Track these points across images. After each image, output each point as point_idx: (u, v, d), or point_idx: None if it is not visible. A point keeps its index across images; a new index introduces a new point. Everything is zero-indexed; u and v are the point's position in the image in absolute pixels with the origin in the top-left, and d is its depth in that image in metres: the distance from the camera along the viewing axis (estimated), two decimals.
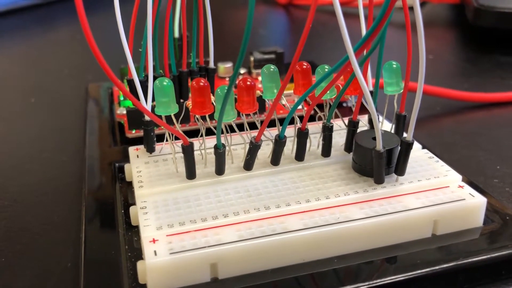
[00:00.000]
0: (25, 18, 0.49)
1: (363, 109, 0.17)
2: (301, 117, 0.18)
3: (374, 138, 0.16)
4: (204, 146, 0.18)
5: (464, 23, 0.40)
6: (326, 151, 0.18)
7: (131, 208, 0.17)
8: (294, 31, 0.46)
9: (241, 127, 0.18)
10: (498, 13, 0.35)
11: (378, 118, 0.18)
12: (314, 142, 0.19)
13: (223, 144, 0.16)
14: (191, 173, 0.17)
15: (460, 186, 0.17)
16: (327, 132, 0.18)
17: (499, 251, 0.15)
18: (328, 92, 0.17)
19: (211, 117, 0.17)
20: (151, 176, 0.17)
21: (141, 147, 0.19)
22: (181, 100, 0.21)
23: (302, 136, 0.17)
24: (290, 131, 0.18)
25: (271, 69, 0.17)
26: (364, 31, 0.18)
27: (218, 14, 0.45)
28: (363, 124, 0.19)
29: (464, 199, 0.16)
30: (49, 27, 0.47)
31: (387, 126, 0.19)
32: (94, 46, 0.13)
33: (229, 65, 0.27)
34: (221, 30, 0.43)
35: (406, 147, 0.16)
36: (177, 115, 0.17)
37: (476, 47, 0.37)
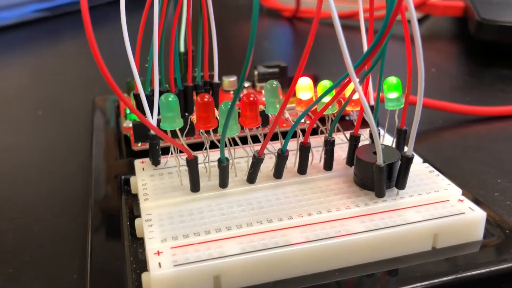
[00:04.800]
0: (33, 31, 0.50)
1: (365, 123, 0.18)
2: (303, 131, 0.18)
3: (375, 153, 0.16)
4: (208, 160, 0.18)
5: (466, 36, 0.41)
6: (328, 164, 0.18)
7: (137, 220, 0.17)
8: (298, 43, 0.47)
9: (244, 141, 0.18)
10: (500, 27, 0.36)
11: (379, 132, 0.18)
12: (316, 155, 0.19)
13: (226, 157, 0.17)
14: (195, 186, 0.17)
15: (460, 200, 0.17)
16: (329, 146, 0.18)
17: (498, 264, 0.15)
18: (329, 107, 0.17)
19: (215, 130, 0.17)
20: (156, 189, 0.18)
21: (147, 160, 0.19)
22: (186, 114, 0.22)
23: (304, 149, 0.18)
24: (293, 145, 0.18)
25: (274, 85, 0.17)
26: (365, 45, 0.19)
27: (222, 29, 0.46)
28: (364, 138, 0.19)
29: (464, 213, 0.16)
30: (56, 40, 0.48)
31: (388, 140, 0.20)
32: (100, 61, 0.13)
33: (233, 78, 0.28)
34: (226, 44, 0.43)
35: (406, 162, 0.16)
36: (182, 129, 0.17)
37: (478, 61, 0.38)
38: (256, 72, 0.28)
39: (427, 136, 0.26)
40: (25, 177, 0.23)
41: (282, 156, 0.17)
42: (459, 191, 0.17)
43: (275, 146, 0.18)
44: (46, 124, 0.29)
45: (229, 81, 0.27)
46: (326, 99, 0.17)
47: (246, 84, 0.29)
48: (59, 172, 0.23)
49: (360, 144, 0.18)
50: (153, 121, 0.18)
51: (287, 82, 0.27)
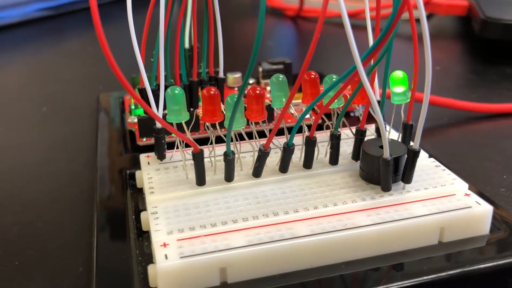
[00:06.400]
0: (37, 29, 0.50)
1: (370, 118, 0.18)
2: (309, 126, 0.18)
3: (381, 147, 0.16)
4: (214, 154, 0.18)
5: (471, 35, 0.41)
6: (333, 159, 0.18)
7: (142, 214, 0.17)
8: (302, 43, 0.47)
9: (250, 135, 0.18)
10: (504, 25, 0.36)
11: (385, 127, 0.18)
12: (322, 150, 0.19)
13: (232, 151, 0.17)
14: (201, 180, 0.17)
15: (466, 194, 0.17)
16: (335, 140, 0.18)
17: (505, 259, 0.15)
18: (335, 101, 0.17)
19: (221, 125, 0.17)
20: (162, 183, 0.18)
21: (152, 154, 0.19)
22: (192, 109, 0.22)
23: (310, 144, 0.18)
24: (298, 139, 0.18)
25: (280, 79, 0.17)
26: (371, 43, 0.19)
27: (227, 25, 0.46)
28: (370, 133, 0.19)
29: (471, 206, 0.16)
30: (60, 38, 0.48)
31: (394, 135, 0.20)
32: (109, 55, 0.13)
33: (238, 75, 0.28)
34: (231, 40, 0.43)
35: (413, 155, 0.16)
36: (187, 123, 0.17)
37: (483, 59, 0.38)
38: (260, 69, 0.28)
39: (432, 133, 0.26)
40: (30, 173, 0.23)
41: (288, 150, 0.17)
42: (465, 185, 0.17)
43: (281, 140, 0.18)
44: (51, 121, 0.29)
45: (234, 77, 0.27)
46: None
47: (251, 81, 0.29)
48: (65, 167, 0.23)
49: (365, 139, 0.18)
50: (159, 115, 0.18)
51: (291, 79, 0.27)
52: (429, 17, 0.48)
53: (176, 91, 0.17)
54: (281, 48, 0.45)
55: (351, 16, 0.45)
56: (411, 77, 0.17)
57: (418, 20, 0.14)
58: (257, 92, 0.17)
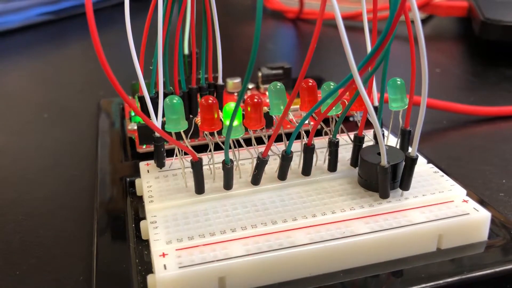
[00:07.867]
0: (38, 35, 0.50)
1: (369, 124, 0.18)
2: (307, 132, 0.18)
3: (379, 153, 0.16)
4: (212, 161, 0.18)
5: (471, 36, 0.41)
6: (332, 166, 0.18)
7: (142, 222, 0.17)
8: (302, 45, 0.47)
9: (248, 142, 0.18)
10: (505, 27, 0.36)
11: (384, 133, 0.18)
12: (321, 157, 0.19)
13: (231, 159, 0.17)
14: (200, 188, 0.17)
15: (464, 201, 0.17)
16: (333, 147, 0.18)
17: (504, 265, 0.15)
18: (333, 108, 0.17)
19: (220, 132, 0.17)
20: (161, 191, 0.18)
21: (152, 162, 0.19)
22: (191, 116, 0.22)
23: (309, 151, 0.18)
24: (297, 146, 0.19)
25: (278, 87, 0.18)
26: (369, 45, 0.19)
27: (226, 30, 0.46)
28: (369, 139, 0.19)
29: (469, 213, 0.16)
30: (61, 43, 0.48)
31: (393, 141, 0.20)
32: (105, 63, 0.13)
33: (237, 80, 0.28)
34: (230, 46, 0.43)
35: (411, 163, 0.16)
36: (186, 131, 0.17)
37: (483, 61, 0.38)
38: (260, 74, 0.28)
39: (431, 136, 0.26)
40: (30, 180, 0.23)
41: (286, 158, 0.17)
42: (463, 191, 0.17)
43: (279, 147, 0.18)
44: (51, 127, 0.29)
45: (233, 83, 0.28)
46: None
47: (250, 86, 0.29)
48: (65, 174, 0.24)
49: (364, 145, 0.18)
50: (157, 123, 0.18)
51: (291, 84, 0.28)
52: (429, 18, 0.47)
53: (175, 101, 0.17)
54: (282, 51, 0.45)
55: (349, 18, 0.45)
56: (408, 79, 0.17)
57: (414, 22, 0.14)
58: (255, 100, 0.17)
